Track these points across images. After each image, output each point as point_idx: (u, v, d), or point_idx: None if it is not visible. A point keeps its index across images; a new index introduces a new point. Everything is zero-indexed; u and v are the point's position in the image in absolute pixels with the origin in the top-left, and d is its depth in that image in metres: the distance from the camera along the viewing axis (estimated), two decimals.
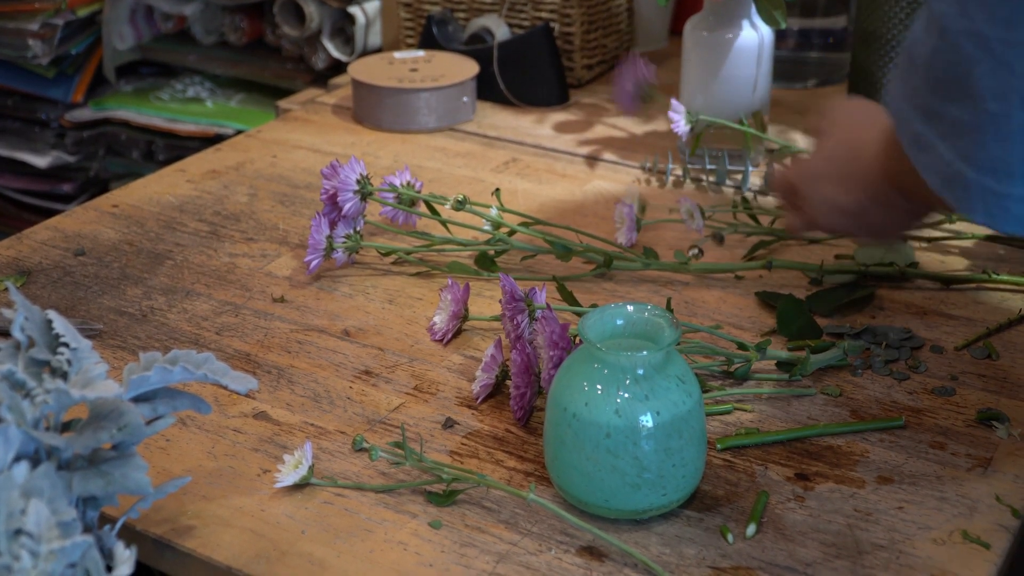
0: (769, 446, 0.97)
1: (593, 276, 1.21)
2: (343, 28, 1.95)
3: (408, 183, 1.23)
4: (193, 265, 1.25)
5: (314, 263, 1.19)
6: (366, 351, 1.10)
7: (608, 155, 1.51)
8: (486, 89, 1.66)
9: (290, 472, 0.91)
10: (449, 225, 1.22)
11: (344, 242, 1.21)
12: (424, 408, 1.02)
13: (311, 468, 0.91)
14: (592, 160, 1.50)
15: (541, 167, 1.48)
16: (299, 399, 1.03)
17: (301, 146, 1.55)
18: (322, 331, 1.13)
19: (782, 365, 1.05)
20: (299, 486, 0.92)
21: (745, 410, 1.01)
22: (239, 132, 1.86)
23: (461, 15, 1.75)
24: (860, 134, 1.00)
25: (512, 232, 1.22)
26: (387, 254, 1.25)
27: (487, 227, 1.23)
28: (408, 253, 1.24)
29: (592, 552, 0.86)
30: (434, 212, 1.23)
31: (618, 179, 1.43)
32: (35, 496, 0.70)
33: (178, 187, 1.43)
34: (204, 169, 1.47)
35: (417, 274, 1.23)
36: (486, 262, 1.22)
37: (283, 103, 1.74)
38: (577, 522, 0.86)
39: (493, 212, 1.23)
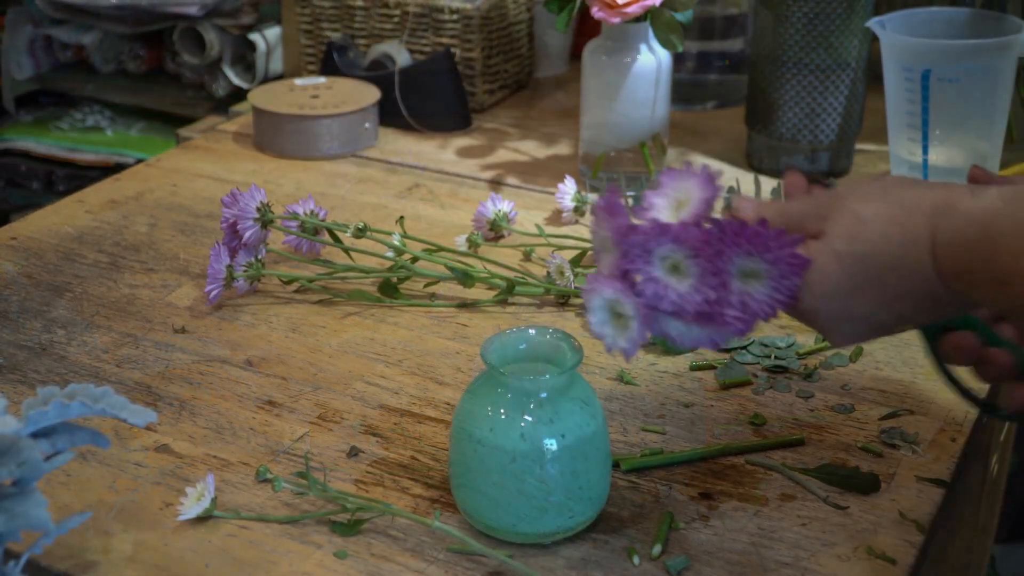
0: (673, 466, 0.97)
1: (495, 301, 1.21)
2: (244, 55, 1.94)
3: (312, 211, 1.23)
4: (93, 297, 1.23)
5: (214, 293, 1.18)
6: (269, 381, 1.09)
7: (511, 179, 1.51)
8: (388, 115, 1.66)
9: (192, 505, 0.90)
10: (352, 253, 1.22)
11: (245, 270, 1.20)
12: (329, 437, 1.01)
13: (214, 500, 0.90)
14: (495, 184, 1.50)
15: (444, 192, 1.48)
16: (201, 431, 1.02)
17: (202, 175, 1.54)
18: (224, 361, 1.12)
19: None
20: (202, 519, 0.91)
21: (656, 431, 1.01)
22: (139, 161, 1.85)
23: (362, 41, 1.75)
24: (892, 231, 0.77)
25: (415, 259, 1.22)
26: (289, 282, 1.24)
27: (390, 254, 1.23)
28: (310, 281, 1.23)
29: None
30: (337, 240, 1.23)
31: (522, 203, 1.43)
32: None
33: (77, 218, 1.41)
34: (103, 199, 1.46)
35: (319, 302, 1.22)
36: (389, 289, 1.22)
37: (183, 131, 1.73)
38: (483, 549, 0.86)
39: (395, 239, 1.23)
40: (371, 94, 1.62)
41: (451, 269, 1.21)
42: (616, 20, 1.36)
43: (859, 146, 1.56)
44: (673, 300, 0.78)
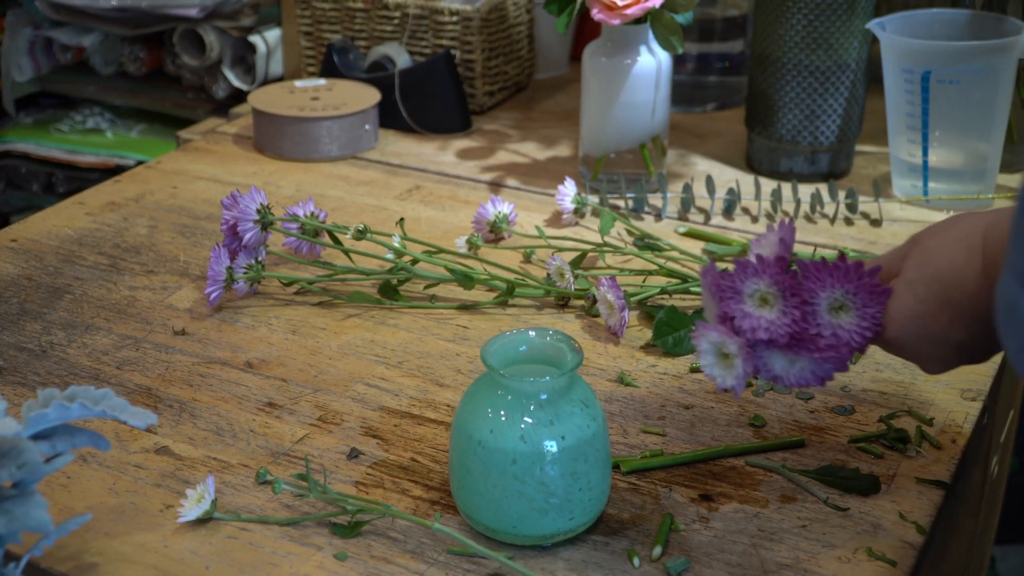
0: (673, 468, 0.97)
1: (495, 303, 1.21)
2: (244, 57, 1.94)
3: (312, 213, 1.23)
4: (93, 299, 1.23)
5: (214, 295, 1.18)
6: (269, 383, 1.09)
7: (511, 181, 1.51)
8: (388, 117, 1.66)
9: (193, 507, 0.90)
10: (352, 254, 1.22)
11: (245, 272, 1.20)
12: (329, 439, 1.01)
13: (214, 502, 0.90)
14: (495, 186, 1.50)
15: (444, 194, 1.48)
16: (201, 433, 1.02)
17: (202, 176, 1.54)
18: (224, 363, 1.12)
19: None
20: (203, 521, 0.91)
21: (656, 433, 1.01)
22: (140, 163, 1.85)
23: (362, 43, 1.75)
24: (955, 251, 0.82)
25: (415, 261, 1.22)
26: (289, 284, 1.24)
27: (390, 256, 1.23)
28: (310, 283, 1.23)
29: None
30: (337, 242, 1.23)
31: (522, 205, 1.43)
32: None
33: (77, 220, 1.41)
34: (103, 201, 1.46)
35: (320, 304, 1.22)
36: (389, 291, 1.22)
37: (184, 133, 1.73)
38: (482, 550, 0.86)
39: (395, 241, 1.23)
40: (371, 96, 1.62)
41: (451, 271, 1.21)
42: (616, 22, 1.36)
43: (859, 148, 1.56)
44: (765, 327, 0.85)
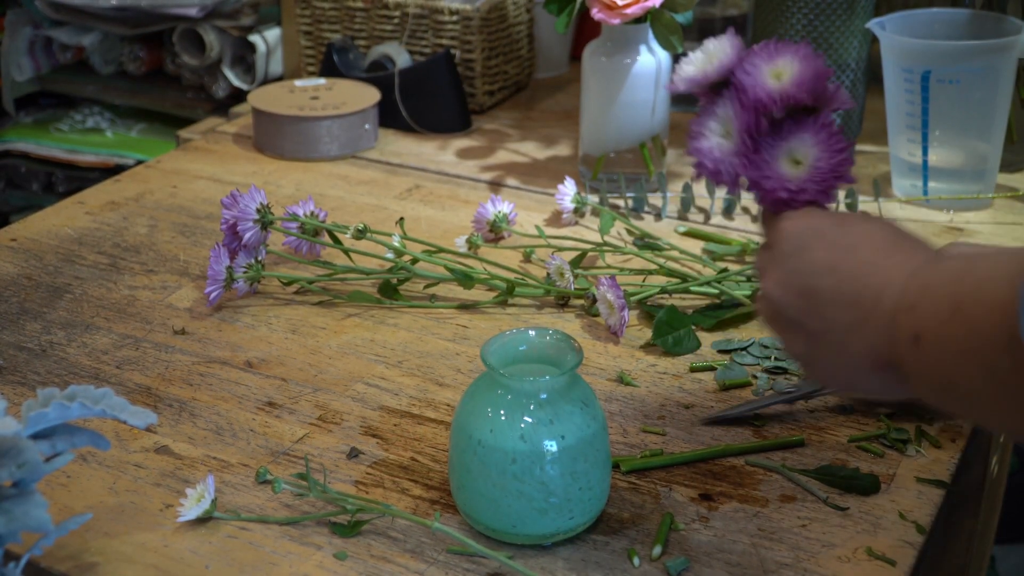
0: (673, 467, 0.97)
1: (495, 303, 1.21)
2: (244, 56, 1.94)
3: (312, 213, 1.23)
4: (92, 298, 1.23)
5: (214, 294, 1.18)
6: (269, 382, 1.09)
7: (511, 180, 1.51)
8: (388, 116, 1.66)
9: (193, 506, 0.90)
10: (352, 254, 1.22)
11: (245, 272, 1.20)
12: (328, 438, 1.01)
13: (214, 502, 0.90)
14: (495, 185, 1.50)
15: (444, 193, 1.48)
16: (201, 432, 1.02)
17: (202, 176, 1.54)
18: (224, 363, 1.12)
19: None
20: (202, 520, 0.91)
21: (656, 432, 1.01)
22: (140, 162, 1.85)
23: (362, 43, 1.75)
24: (866, 272, 0.77)
25: (415, 260, 1.22)
26: (289, 283, 1.24)
27: (390, 255, 1.23)
28: (310, 282, 1.23)
29: None
30: (336, 241, 1.23)
31: (522, 204, 1.43)
32: None
33: (77, 219, 1.41)
34: (103, 201, 1.46)
35: (319, 303, 1.22)
36: (389, 291, 1.22)
37: (183, 133, 1.73)
38: (482, 550, 0.86)
39: (395, 240, 1.23)
40: (371, 95, 1.62)
41: (451, 270, 1.21)
42: (616, 21, 1.36)
43: (859, 147, 1.56)
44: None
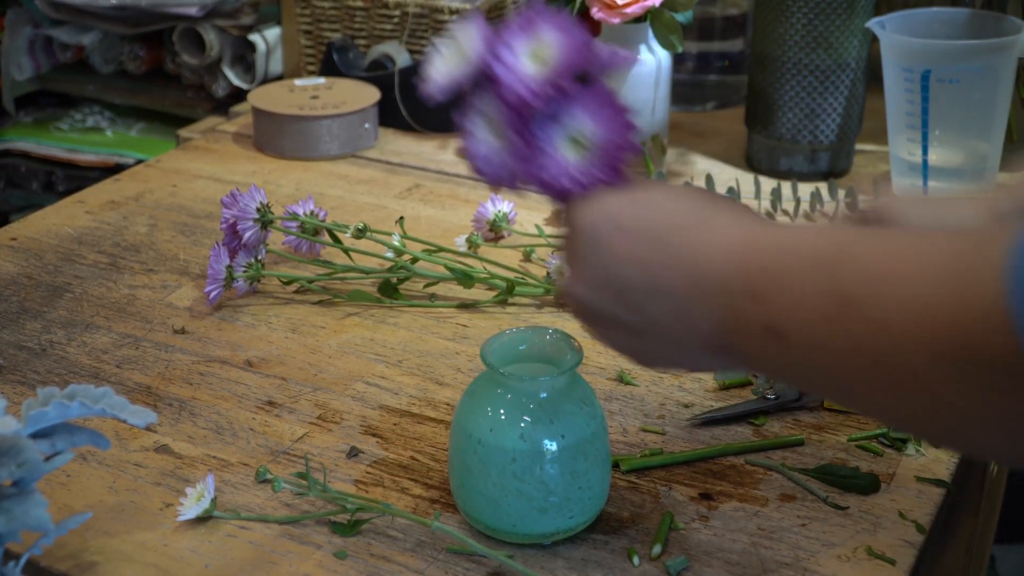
0: (673, 466, 0.97)
1: (495, 302, 1.21)
2: (244, 56, 1.94)
3: (312, 212, 1.23)
4: (92, 298, 1.23)
5: (214, 293, 1.18)
6: (269, 381, 1.09)
7: None
8: (388, 115, 1.66)
9: (192, 505, 0.90)
10: (352, 253, 1.22)
11: (245, 271, 1.20)
12: (328, 437, 1.01)
13: (214, 501, 0.90)
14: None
15: (444, 192, 1.48)
16: (201, 431, 1.02)
17: (202, 175, 1.54)
18: (224, 362, 1.12)
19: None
20: (202, 519, 0.91)
21: (656, 432, 1.01)
22: (139, 162, 1.85)
23: (362, 42, 1.75)
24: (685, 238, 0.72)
25: (415, 259, 1.22)
26: (289, 283, 1.24)
27: (390, 255, 1.23)
28: (310, 282, 1.23)
29: None
30: (336, 241, 1.23)
31: (522, 204, 1.43)
32: None
33: (77, 218, 1.41)
34: (103, 200, 1.46)
35: (319, 302, 1.22)
36: (388, 290, 1.22)
37: (183, 132, 1.73)
38: (482, 549, 0.86)
39: (395, 239, 1.23)
40: (371, 95, 1.62)
41: (451, 270, 1.21)
42: (616, 21, 1.36)
43: (859, 147, 1.56)
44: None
